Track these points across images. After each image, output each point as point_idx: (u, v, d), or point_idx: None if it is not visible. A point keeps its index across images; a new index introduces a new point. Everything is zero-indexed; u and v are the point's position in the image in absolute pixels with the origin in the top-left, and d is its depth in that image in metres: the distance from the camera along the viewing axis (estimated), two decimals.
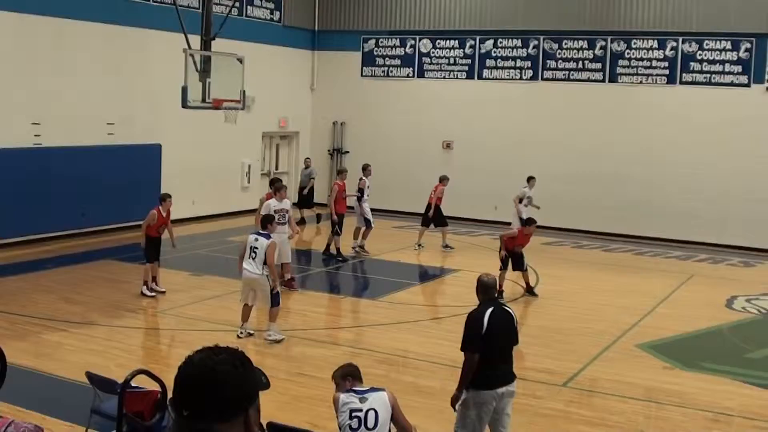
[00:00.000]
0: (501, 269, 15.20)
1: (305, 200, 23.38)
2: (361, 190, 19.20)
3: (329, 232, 18.69)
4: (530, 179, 20.17)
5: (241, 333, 12.18)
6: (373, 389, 6.72)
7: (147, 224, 14.48)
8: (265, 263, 11.93)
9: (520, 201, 19.87)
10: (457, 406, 7.64)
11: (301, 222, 21.89)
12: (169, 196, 14.78)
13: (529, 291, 15.71)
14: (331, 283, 17.63)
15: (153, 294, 14.38)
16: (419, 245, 19.93)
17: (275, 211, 14.59)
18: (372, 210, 19.29)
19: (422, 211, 20.08)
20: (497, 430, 7.71)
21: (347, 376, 6.86)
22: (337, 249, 18.43)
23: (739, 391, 10.72)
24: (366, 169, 19.56)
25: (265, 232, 12.33)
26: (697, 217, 22.17)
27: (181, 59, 16.95)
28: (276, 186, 15.37)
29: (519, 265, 15.46)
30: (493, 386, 7.47)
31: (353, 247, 19.04)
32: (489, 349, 7.38)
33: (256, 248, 12.00)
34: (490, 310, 7.45)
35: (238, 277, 12.22)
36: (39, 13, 18.18)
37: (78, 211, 19.03)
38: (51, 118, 18.55)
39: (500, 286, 15.74)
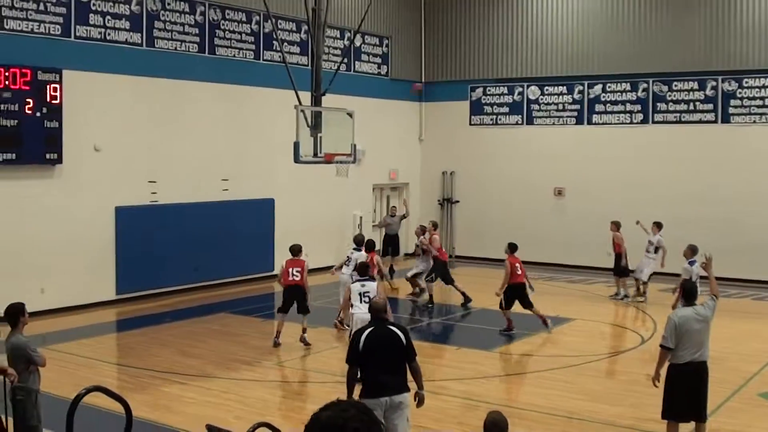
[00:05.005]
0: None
1: (395, 248, 24.18)
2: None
3: (423, 281, 19.33)
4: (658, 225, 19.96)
5: None
6: None
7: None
8: None
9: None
10: None
11: (391, 271, 22.29)
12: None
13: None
14: (440, 334, 17.50)
15: (309, 344, 14.77)
16: (622, 294, 19.89)
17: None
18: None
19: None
20: None
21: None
22: (430, 295, 19.24)
23: None
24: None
25: (367, 276, 13.23)
26: None
27: (292, 115, 17.36)
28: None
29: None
30: (377, 395, 8.23)
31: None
32: (368, 363, 8.33)
33: (368, 292, 12.74)
34: (369, 330, 8.49)
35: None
36: (154, 75, 19.00)
37: (191, 265, 19.59)
38: (167, 175, 19.29)
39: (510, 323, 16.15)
